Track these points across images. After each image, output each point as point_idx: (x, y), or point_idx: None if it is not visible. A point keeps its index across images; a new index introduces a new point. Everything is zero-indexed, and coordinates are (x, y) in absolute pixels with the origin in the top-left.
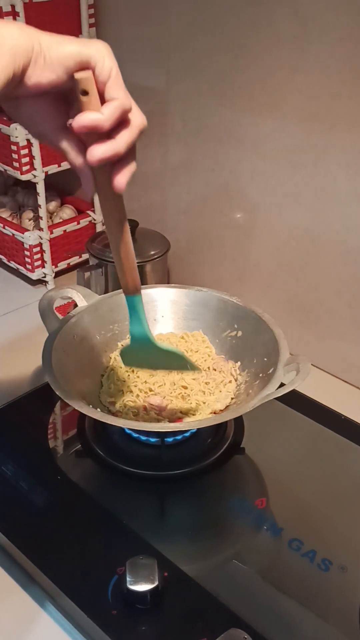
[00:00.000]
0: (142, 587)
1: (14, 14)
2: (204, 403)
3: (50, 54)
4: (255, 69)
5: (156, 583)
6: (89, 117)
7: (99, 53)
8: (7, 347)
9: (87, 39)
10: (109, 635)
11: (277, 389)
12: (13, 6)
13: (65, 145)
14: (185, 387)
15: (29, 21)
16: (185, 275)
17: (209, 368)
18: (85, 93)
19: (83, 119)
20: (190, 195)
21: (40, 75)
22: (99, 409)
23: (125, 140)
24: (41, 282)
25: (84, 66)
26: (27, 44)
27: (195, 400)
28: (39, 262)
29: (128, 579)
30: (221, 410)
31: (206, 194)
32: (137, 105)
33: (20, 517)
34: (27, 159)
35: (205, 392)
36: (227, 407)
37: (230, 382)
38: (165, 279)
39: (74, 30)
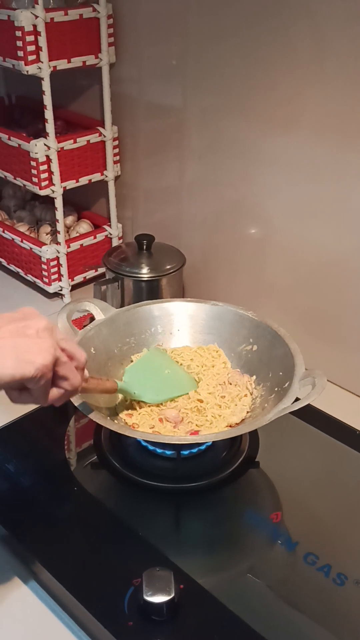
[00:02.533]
0: (159, 598)
1: (35, 34)
2: (220, 416)
3: None
4: (271, 84)
5: (172, 595)
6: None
7: (35, 371)
8: None
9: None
10: None
11: (293, 403)
12: (35, 26)
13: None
14: (201, 401)
15: (50, 40)
16: (200, 289)
17: (224, 382)
18: None
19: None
20: (206, 210)
21: None
22: (116, 421)
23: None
24: (57, 295)
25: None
26: None
27: (211, 414)
28: (56, 276)
29: (145, 590)
30: (237, 424)
31: (222, 209)
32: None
33: (37, 527)
34: (46, 175)
35: (221, 405)
36: (242, 420)
37: (245, 395)
38: (181, 293)
39: (94, 48)
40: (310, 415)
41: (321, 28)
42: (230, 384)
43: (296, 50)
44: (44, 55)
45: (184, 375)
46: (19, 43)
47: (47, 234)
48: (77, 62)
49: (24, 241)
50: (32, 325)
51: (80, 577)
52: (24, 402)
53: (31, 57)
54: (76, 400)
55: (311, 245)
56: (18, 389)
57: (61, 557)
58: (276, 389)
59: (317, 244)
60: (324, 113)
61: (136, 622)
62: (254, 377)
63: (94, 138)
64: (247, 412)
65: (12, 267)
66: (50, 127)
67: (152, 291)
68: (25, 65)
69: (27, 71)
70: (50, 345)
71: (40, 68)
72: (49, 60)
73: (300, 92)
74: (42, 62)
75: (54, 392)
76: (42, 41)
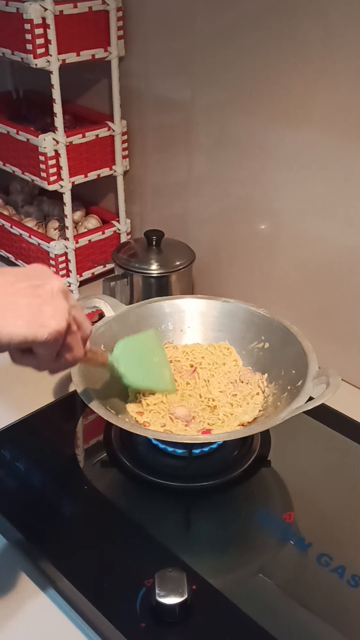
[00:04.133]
0: (172, 600)
1: (44, 26)
2: (232, 415)
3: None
4: (280, 79)
5: (185, 596)
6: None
7: (47, 335)
8: None
9: (40, 309)
10: None
11: (306, 402)
12: (44, 19)
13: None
14: (213, 400)
15: (59, 33)
16: (210, 285)
17: (236, 380)
18: None
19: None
20: (214, 206)
21: None
22: (127, 419)
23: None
24: None
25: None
26: None
27: (223, 412)
28: (64, 272)
29: (157, 591)
30: (249, 423)
31: (230, 205)
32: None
33: (47, 526)
34: (54, 170)
35: (232, 404)
36: (254, 419)
37: (257, 394)
38: (190, 290)
39: (103, 42)
40: (322, 413)
41: (331, 23)
42: (242, 382)
43: (305, 45)
44: (52, 48)
45: (168, 371)
46: (28, 36)
47: (55, 230)
48: (86, 55)
49: (32, 237)
50: (47, 285)
51: (91, 577)
52: (25, 364)
53: (40, 51)
54: (87, 399)
55: (321, 241)
56: (23, 350)
57: (72, 557)
58: (289, 388)
59: (326, 240)
60: (333, 108)
61: (148, 624)
62: (266, 375)
63: (102, 132)
64: (260, 410)
65: (20, 263)
66: (58, 121)
67: (161, 287)
68: (34, 58)
69: (36, 64)
70: (65, 309)
71: (49, 61)
72: (58, 54)
73: (309, 87)
74: (50, 56)
75: (56, 361)
76: (51, 34)
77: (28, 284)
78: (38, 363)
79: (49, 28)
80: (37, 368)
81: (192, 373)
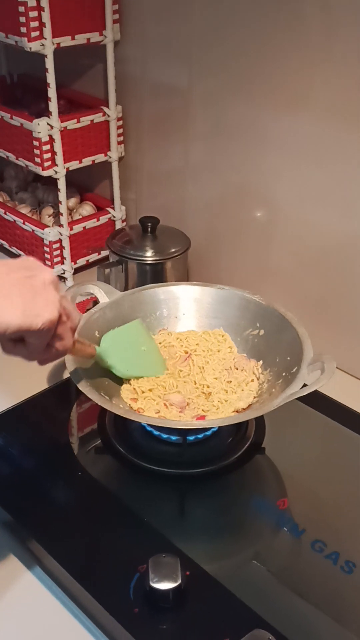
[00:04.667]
0: (165, 585)
1: (39, 9)
2: (226, 401)
3: None
4: (278, 66)
5: (179, 582)
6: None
7: (41, 324)
8: None
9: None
10: (131, 634)
11: (301, 388)
12: (38, 1)
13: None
14: (208, 386)
15: (54, 16)
16: (205, 273)
17: (230, 367)
18: None
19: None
20: (211, 193)
21: None
22: (121, 406)
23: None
24: (60, 278)
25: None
26: None
27: (218, 399)
28: (59, 259)
29: (151, 577)
30: (244, 409)
31: (226, 192)
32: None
33: (41, 512)
34: (48, 155)
35: (227, 390)
36: (249, 405)
37: (252, 380)
38: (185, 277)
39: (98, 25)
40: (317, 401)
41: (330, 9)
42: (237, 369)
43: (305, 32)
44: (47, 31)
45: (158, 356)
46: (22, 19)
47: (49, 216)
48: (81, 39)
49: (26, 223)
50: (39, 276)
51: (84, 563)
52: (16, 354)
53: (34, 34)
54: (81, 384)
55: (317, 229)
56: (15, 340)
57: (65, 542)
58: (284, 374)
59: (323, 228)
60: (331, 95)
61: (142, 609)
62: (261, 362)
63: (97, 118)
64: (254, 397)
65: (14, 250)
66: (53, 106)
67: (156, 275)
68: (28, 41)
69: (30, 48)
70: (56, 299)
71: (43, 45)
72: (53, 37)
73: (308, 74)
74: (45, 39)
75: (47, 351)
76: (46, 17)
77: (21, 275)
78: (29, 353)
79: (44, 11)
80: (27, 358)
81: (185, 359)
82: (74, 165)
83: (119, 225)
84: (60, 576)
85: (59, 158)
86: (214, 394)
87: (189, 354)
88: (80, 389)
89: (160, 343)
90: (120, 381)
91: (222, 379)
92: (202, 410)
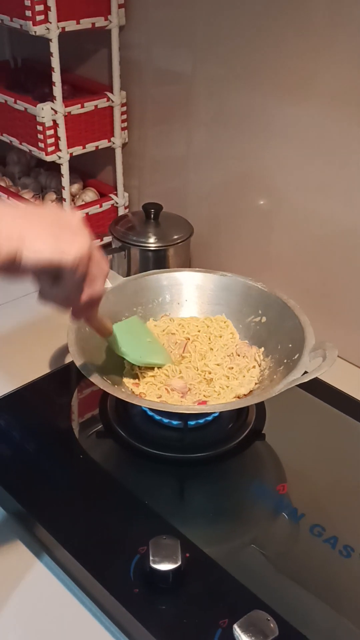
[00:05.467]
0: (165, 566)
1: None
2: (228, 387)
3: (27, 256)
4: (282, 54)
5: (179, 563)
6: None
7: (74, 257)
8: (27, 329)
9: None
10: (131, 613)
11: (302, 375)
12: None
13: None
14: (209, 372)
15: (60, 4)
16: (207, 260)
17: (232, 353)
18: None
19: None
20: (213, 181)
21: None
22: (123, 390)
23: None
24: None
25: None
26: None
27: (219, 385)
28: None
29: (151, 558)
30: (245, 395)
31: (229, 180)
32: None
33: (43, 495)
34: (52, 140)
35: (229, 377)
36: (250, 392)
37: (254, 367)
38: (188, 264)
39: (104, 10)
40: (317, 388)
41: None
42: (239, 355)
43: (310, 19)
44: (52, 15)
45: (162, 347)
46: (27, 2)
47: (52, 202)
48: (86, 23)
49: None
50: (69, 217)
51: (86, 544)
52: (54, 299)
53: (39, 17)
54: (83, 368)
55: (319, 218)
56: (52, 278)
57: (67, 524)
58: (285, 361)
59: (325, 217)
60: (335, 84)
61: (142, 589)
62: (262, 348)
63: (101, 103)
64: (255, 383)
65: None
66: (57, 90)
67: (159, 261)
68: (33, 25)
69: (35, 32)
70: (88, 237)
71: (48, 29)
72: (58, 21)
73: (313, 62)
74: (50, 23)
75: (81, 297)
76: (51, 0)
77: (53, 214)
78: (64, 296)
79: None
80: (62, 304)
81: (184, 346)
82: (78, 150)
83: (121, 211)
84: (61, 557)
85: (63, 143)
86: (216, 380)
87: (187, 342)
88: (83, 373)
89: (163, 330)
90: (121, 368)
91: (224, 365)
92: (204, 395)
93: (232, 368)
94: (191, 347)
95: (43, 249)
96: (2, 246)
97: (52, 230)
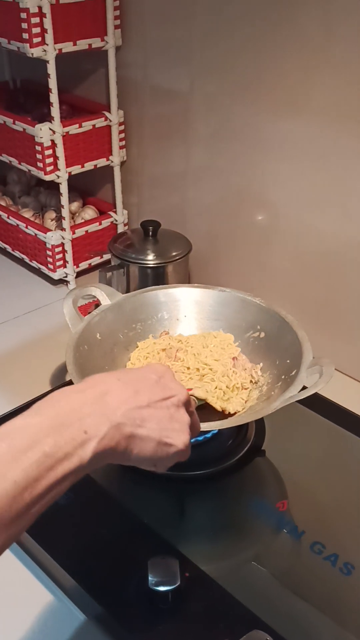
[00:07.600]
0: (164, 587)
1: (41, 15)
2: (221, 390)
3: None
4: (278, 70)
5: (178, 583)
6: None
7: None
8: (28, 346)
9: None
10: (131, 634)
11: (300, 391)
12: (40, 7)
13: None
14: (205, 365)
15: (56, 22)
16: (206, 276)
17: (236, 357)
18: None
19: None
20: (212, 197)
21: None
22: None
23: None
24: (62, 282)
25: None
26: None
27: (215, 385)
28: (61, 262)
29: (150, 578)
30: (230, 414)
31: (227, 196)
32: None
33: (41, 514)
34: (51, 160)
35: (230, 377)
36: (236, 412)
37: (246, 389)
38: (186, 280)
39: (100, 31)
40: (317, 403)
41: (330, 13)
42: (237, 360)
43: (305, 35)
44: (49, 37)
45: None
46: (24, 25)
47: (52, 220)
48: (82, 44)
49: (29, 227)
50: (174, 398)
51: (85, 564)
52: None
53: (36, 40)
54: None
55: (317, 232)
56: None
57: (65, 544)
58: (283, 377)
59: (323, 232)
60: (331, 99)
61: (142, 610)
62: (261, 364)
63: (99, 122)
64: (244, 404)
65: (17, 254)
66: (55, 111)
67: (158, 278)
68: (30, 47)
69: (32, 54)
70: (187, 422)
71: (45, 51)
72: (55, 43)
73: (309, 77)
74: (47, 45)
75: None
76: (48, 23)
77: (159, 397)
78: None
79: (46, 17)
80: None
81: (174, 354)
82: (76, 169)
83: (120, 228)
84: (59, 577)
85: (61, 163)
86: (215, 378)
87: (176, 350)
88: None
89: (163, 350)
90: None
91: (223, 362)
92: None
93: (236, 372)
94: (182, 353)
95: (148, 449)
96: (119, 445)
97: (159, 423)
